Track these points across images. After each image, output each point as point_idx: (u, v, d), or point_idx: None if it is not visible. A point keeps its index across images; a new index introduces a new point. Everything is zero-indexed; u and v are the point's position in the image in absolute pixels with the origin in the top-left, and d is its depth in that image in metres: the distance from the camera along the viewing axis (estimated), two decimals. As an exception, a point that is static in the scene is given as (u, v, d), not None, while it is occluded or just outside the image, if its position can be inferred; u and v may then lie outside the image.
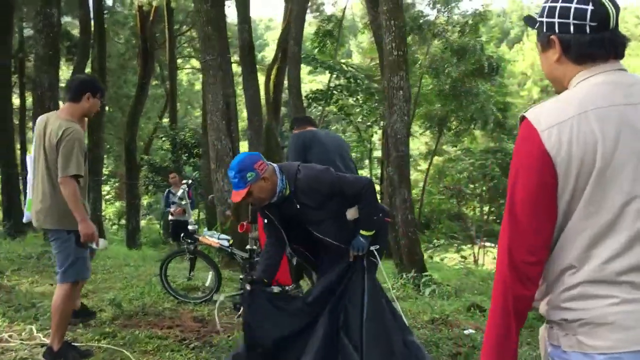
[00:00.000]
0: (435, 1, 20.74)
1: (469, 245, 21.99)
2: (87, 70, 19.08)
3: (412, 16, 19.65)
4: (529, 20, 1.67)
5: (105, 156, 23.28)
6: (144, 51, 22.29)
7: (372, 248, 3.49)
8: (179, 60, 26.77)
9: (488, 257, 23.96)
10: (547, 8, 1.53)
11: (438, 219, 24.19)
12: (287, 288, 4.16)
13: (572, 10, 1.46)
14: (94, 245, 3.81)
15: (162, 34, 23.84)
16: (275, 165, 3.43)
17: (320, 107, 14.17)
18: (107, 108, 23.83)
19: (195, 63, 29.12)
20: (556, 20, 1.50)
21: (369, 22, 15.23)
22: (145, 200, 28.73)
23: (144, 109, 23.46)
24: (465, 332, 4.41)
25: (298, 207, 3.39)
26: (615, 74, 1.49)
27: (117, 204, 32.16)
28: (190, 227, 5.22)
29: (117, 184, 33.08)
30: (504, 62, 22.66)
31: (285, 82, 15.85)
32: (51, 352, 3.70)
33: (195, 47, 27.36)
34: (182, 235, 5.44)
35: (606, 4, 1.45)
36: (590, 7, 1.45)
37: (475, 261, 20.21)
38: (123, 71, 25.17)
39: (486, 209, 27.17)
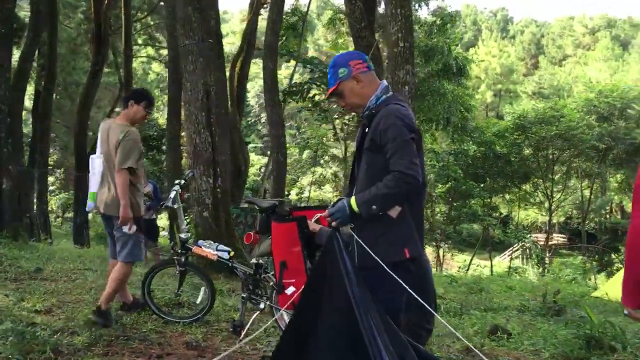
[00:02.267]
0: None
1: (433, 248, 21.75)
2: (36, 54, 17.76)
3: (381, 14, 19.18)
4: None
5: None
6: (97, 36, 20.96)
7: (349, 227, 2.87)
8: (134, 48, 25.42)
9: (451, 261, 23.89)
10: None
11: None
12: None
13: None
14: (125, 229, 4.33)
15: (117, 19, 22.53)
16: (383, 81, 2.98)
17: (295, 102, 13.46)
18: (54, 95, 22.37)
19: (151, 51, 27.85)
20: None
21: (344, 16, 14.61)
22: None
23: (95, 97, 22.10)
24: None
25: (365, 130, 2.93)
26: None
27: (62, 195, 30.50)
28: (182, 236, 4.45)
29: (62, 175, 31.41)
30: (468, 64, 22.49)
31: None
32: (99, 310, 4.39)
33: (151, 34, 26.15)
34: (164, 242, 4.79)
35: None
36: None
37: (440, 264, 19.97)
38: (73, 57, 23.68)
39: (441, 209, 27.04)
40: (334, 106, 14.21)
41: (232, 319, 4.75)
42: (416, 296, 2.88)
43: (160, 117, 28.75)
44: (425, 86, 20.32)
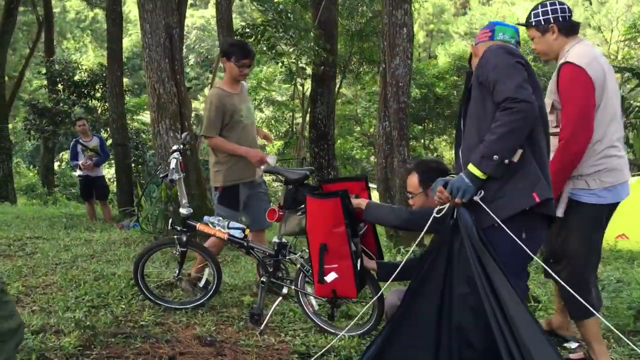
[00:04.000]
0: None
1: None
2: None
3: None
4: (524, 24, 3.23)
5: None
6: (9, -31, 18.81)
7: (476, 197, 2.44)
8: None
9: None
10: (542, 12, 3.12)
11: (344, 166, 23.54)
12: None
13: (559, 10, 3.09)
14: (269, 160, 4.03)
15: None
16: (501, 45, 2.63)
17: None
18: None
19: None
20: (551, 16, 3.09)
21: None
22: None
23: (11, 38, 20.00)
24: (573, 346, 3.44)
25: (470, 86, 2.68)
26: (584, 41, 3.11)
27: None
28: (183, 211, 3.73)
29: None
30: (412, 3, 21.86)
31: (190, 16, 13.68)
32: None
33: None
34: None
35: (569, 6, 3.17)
36: (566, 6, 3.11)
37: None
38: (-18, -7, 21.22)
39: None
40: (290, 49, 13.33)
41: (242, 301, 4.16)
42: (533, 255, 2.48)
43: (84, 59, 26.64)
44: (370, 27, 19.59)
